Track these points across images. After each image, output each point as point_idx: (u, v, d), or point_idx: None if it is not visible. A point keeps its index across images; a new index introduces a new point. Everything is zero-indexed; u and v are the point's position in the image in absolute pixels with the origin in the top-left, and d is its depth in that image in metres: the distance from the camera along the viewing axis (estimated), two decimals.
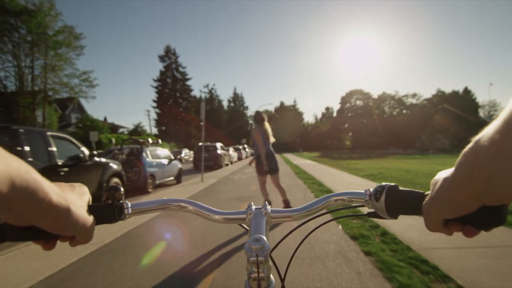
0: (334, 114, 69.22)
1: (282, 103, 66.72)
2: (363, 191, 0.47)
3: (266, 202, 0.52)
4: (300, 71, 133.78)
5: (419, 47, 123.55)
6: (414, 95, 63.08)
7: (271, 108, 67.06)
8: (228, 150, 20.29)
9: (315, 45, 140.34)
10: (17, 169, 0.27)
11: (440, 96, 57.87)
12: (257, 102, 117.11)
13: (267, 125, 4.15)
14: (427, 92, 74.76)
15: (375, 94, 63.53)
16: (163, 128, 47.32)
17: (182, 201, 0.53)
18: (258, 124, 4.15)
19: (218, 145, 16.23)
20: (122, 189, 0.47)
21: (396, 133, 55.25)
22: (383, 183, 0.44)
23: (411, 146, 49.79)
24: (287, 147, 59.05)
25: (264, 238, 0.42)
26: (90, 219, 0.39)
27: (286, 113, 63.64)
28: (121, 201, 0.47)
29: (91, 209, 0.41)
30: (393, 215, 0.42)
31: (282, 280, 0.52)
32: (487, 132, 0.26)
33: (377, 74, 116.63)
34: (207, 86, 62.65)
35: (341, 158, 24.71)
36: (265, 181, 4.25)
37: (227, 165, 17.89)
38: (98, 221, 0.43)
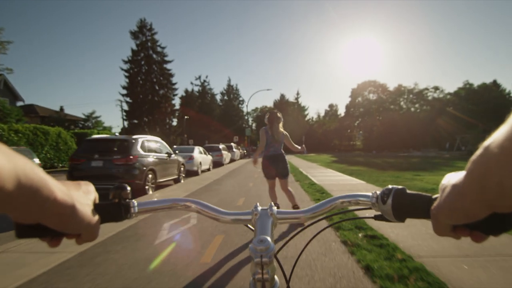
0: (339, 112, 60.43)
1: (282, 96, 57.54)
2: (370, 194, 0.46)
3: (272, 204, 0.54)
4: (303, 62, 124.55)
5: (432, 39, 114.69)
6: (436, 89, 54.31)
7: (269, 99, 57.88)
8: (186, 153, 11.20)
9: (319, 37, 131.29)
10: (23, 167, 0.27)
11: (468, 89, 49.22)
12: (254, 96, 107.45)
13: (276, 126, 3.86)
14: (446, 87, 65.67)
15: (390, 87, 54.68)
16: (135, 121, 38.09)
17: (189, 201, 0.53)
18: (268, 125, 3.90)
19: (140, 140, 6.88)
20: (129, 188, 0.47)
21: (416, 131, 46.38)
22: (390, 186, 0.43)
23: (441, 147, 40.96)
24: (287, 147, 49.90)
25: (269, 239, 0.42)
26: (95, 217, 0.39)
27: (288, 108, 54.52)
28: (127, 200, 0.47)
29: (97, 208, 0.41)
30: (400, 218, 0.42)
31: (287, 282, 0.51)
32: (496, 138, 0.24)
33: (386, 69, 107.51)
34: (199, 78, 53.28)
35: (378, 165, 15.57)
36: (274, 185, 3.98)
37: (178, 180, 8.72)
38: (104, 219, 0.42)
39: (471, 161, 0.28)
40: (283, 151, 3.90)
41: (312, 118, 60.16)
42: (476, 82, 54.16)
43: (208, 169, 13.81)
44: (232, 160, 20.74)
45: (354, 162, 18.94)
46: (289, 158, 25.57)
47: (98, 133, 22.28)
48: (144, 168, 6.38)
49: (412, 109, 53.15)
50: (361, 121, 53.26)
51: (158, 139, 7.94)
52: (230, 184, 8.31)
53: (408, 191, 0.41)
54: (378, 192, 0.44)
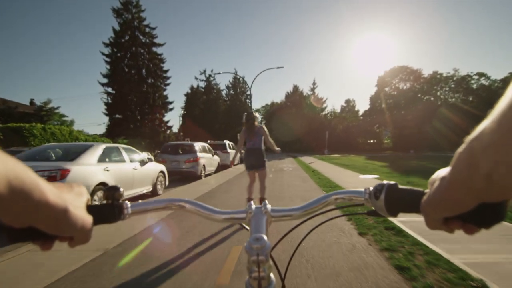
0: (357, 108, 52.69)
1: (296, 87, 49.82)
2: (363, 190, 0.48)
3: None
4: (318, 50, 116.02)
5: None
6: (481, 75, 45.09)
7: (281, 93, 50.25)
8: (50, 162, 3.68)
9: (336, 25, 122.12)
10: (14, 168, 0.27)
11: None
12: (260, 88, 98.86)
13: (253, 124, 4.27)
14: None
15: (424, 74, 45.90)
16: (118, 116, 31.67)
17: (183, 201, 0.53)
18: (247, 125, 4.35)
19: None
20: (121, 189, 0.46)
21: (465, 126, 37.66)
22: (383, 182, 0.44)
23: None
24: (303, 146, 42.15)
25: (265, 237, 0.43)
26: (88, 219, 0.38)
27: (302, 101, 46.83)
28: (120, 201, 0.46)
29: (90, 210, 0.40)
30: (393, 213, 0.42)
31: (283, 280, 0.53)
32: (481, 132, 0.25)
33: (410, 59, 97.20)
34: (203, 72, 46.30)
35: None
36: (254, 179, 4.29)
37: None
38: (97, 221, 0.42)
39: (456, 155, 0.28)
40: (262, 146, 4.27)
41: (330, 113, 52.18)
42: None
43: (153, 193, 6.63)
44: (223, 167, 13.48)
45: (425, 170, 11.14)
46: (310, 162, 18.07)
47: (44, 127, 15.59)
48: None
49: (453, 99, 44.24)
50: (388, 115, 44.80)
51: None
52: None
53: (400, 186, 0.42)
54: (371, 188, 0.45)
